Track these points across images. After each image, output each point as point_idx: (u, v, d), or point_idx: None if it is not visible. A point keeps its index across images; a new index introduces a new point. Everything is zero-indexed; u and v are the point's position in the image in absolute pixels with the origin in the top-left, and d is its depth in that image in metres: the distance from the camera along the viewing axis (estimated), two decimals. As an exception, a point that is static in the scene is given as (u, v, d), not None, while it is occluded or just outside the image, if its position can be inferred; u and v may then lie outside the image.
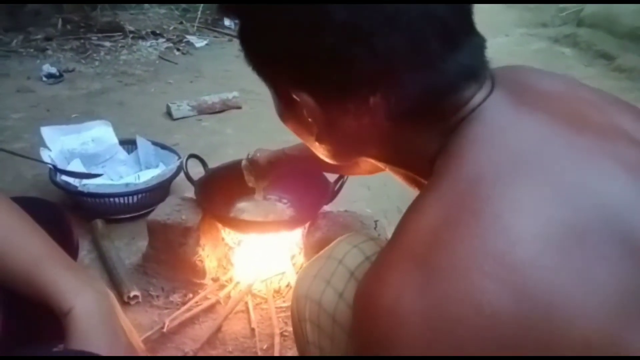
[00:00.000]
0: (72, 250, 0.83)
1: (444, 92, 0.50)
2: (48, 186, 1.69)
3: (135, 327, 0.69)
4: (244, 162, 1.27)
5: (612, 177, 0.44)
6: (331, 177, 1.37)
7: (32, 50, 3.40)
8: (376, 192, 1.90)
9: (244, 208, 1.43)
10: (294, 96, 0.53)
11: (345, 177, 1.34)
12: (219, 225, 1.43)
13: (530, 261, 0.39)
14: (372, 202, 1.82)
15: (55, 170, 1.67)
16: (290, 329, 1.25)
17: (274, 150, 1.21)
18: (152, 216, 1.34)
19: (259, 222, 1.36)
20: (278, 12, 0.50)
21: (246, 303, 1.33)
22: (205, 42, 3.89)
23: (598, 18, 4.00)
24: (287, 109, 0.58)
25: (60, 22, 3.76)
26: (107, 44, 3.61)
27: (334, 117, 0.54)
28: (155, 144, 1.92)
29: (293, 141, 1.14)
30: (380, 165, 0.65)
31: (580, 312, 0.38)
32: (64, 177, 1.69)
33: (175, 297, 1.35)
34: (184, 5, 4.43)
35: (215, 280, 1.40)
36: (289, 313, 1.30)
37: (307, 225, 1.37)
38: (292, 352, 1.21)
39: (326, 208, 1.39)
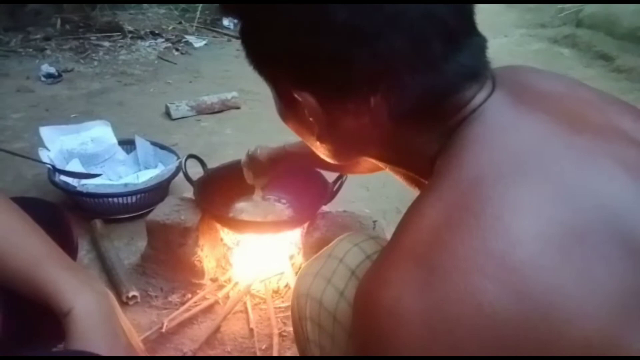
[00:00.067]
0: (71, 250, 0.83)
1: (445, 92, 0.50)
2: (48, 186, 1.69)
3: (134, 327, 0.69)
4: (243, 159, 1.27)
5: (611, 177, 0.44)
6: (330, 177, 1.38)
7: (31, 50, 3.39)
8: (375, 192, 1.90)
9: (243, 208, 1.43)
10: (295, 96, 0.53)
11: (344, 178, 1.34)
12: (218, 226, 1.43)
13: (530, 262, 0.39)
14: (370, 203, 1.83)
15: (54, 170, 1.67)
16: (289, 329, 1.25)
17: (275, 147, 1.21)
18: (151, 216, 1.34)
19: (257, 222, 1.36)
20: (279, 12, 0.50)
21: (245, 303, 1.33)
22: (204, 42, 3.89)
23: (597, 19, 4.01)
24: (288, 109, 0.58)
25: (59, 22, 3.76)
26: (106, 43, 3.61)
27: (335, 117, 0.54)
28: (154, 144, 1.92)
29: (292, 141, 1.15)
30: (381, 165, 0.65)
31: (580, 312, 0.38)
32: (63, 177, 1.69)
33: (174, 298, 1.35)
34: (183, 5, 4.43)
35: (214, 280, 1.40)
36: (287, 313, 1.31)
37: (305, 225, 1.37)
38: (291, 352, 1.21)
39: (325, 208, 1.39)
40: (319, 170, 1.35)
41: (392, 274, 0.43)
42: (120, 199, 1.62)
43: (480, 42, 0.52)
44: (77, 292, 0.62)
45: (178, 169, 1.70)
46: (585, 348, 0.38)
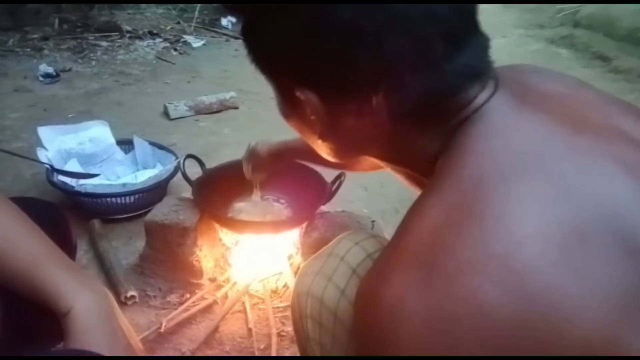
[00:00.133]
0: (70, 250, 0.83)
1: (446, 92, 0.50)
2: (46, 186, 1.69)
3: (133, 327, 0.69)
4: (244, 153, 1.26)
5: (612, 177, 0.44)
6: (328, 177, 1.38)
7: (29, 49, 3.39)
8: (373, 192, 1.90)
9: (242, 208, 1.44)
10: (297, 94, 0.53)
11: (343, 178, 1.34)
12: (217, 226, 1.43)
13: (531, 264, 0.39)
14: (369, 203, 1.83)
15: (53, 170, 1.67)
16: (288, 329, 1.25)
17: (276, 142, 1.21)
18: (150, 216, 1.34)
19: (256, 222, 1.36)
20: (281, 10, 0.50)
21: (243, 303, 1.33)
22: (202, 42, 3.89)
23: (595, 19, 4.02)
24: (290, 107, 0.58)
25: (57, 21, 3.76)
26: (104, 43, 3.61)
27: (337, 116, 0.54)
28: (152, 144, 1.92)
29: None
30: (382, 164, 0.65)
31: (580, 312, 0.38)
32: (61, 177, 1.69)
33: (173, 297, 1.35)
34: (181, 5, 4.43)
35: (212, 280, 1.40)
36: (286, 313, 1.31)
37: (304, 225, 1.38)
38: (290, 352, 1.21)
39: (323, 208, 1.39)
40: (318, 167, 1.35)
41: (393, 275, 0.43)
42: (118, 199, 1.62)
43: (482, 42, 0.52)
44: (76, 292, 0.62)
45: (176, 169, 1.70)
46: (585, 348, 0.38)
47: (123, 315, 0.67)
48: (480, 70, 0.51)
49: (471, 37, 0.51)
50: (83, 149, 1.85)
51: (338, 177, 1.34)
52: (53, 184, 1.65)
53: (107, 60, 3.37)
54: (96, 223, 1.59)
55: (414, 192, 0.62)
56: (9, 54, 3.32)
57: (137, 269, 1.42)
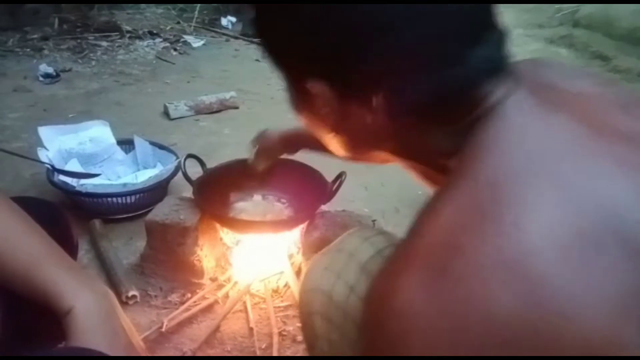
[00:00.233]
0: (71, 250, 0.83)
1: (461, 89, 0.49)
2: (46, 186, 1.68)
3: (134, 327, 0.69)
4: (253, 137, 1.26)
5: (612, 178, 0.44)
6: (329, 177, 1.38)
7: (28, 49, 3.39)
8: (374, 192, 1.90)
9: (242, 208, 1.44)
10: (309, 86, 0.53)
11: (343, 177, 1.34)
12: (217, 225, 1.43)
13: (544, 272, 0.39)
14: (369, 202, 1.83)
15: (53, 170, 1.67)
16: (289, 328, 1.26)
17: (288, 129, 1.20)
18: (150, 216, 1.34)
19: (257, 221, 1.36)
20: (295, 2, 0.50)
21: (244, 303, 1.33)
22: (202, 42, 3.89)
23: (594, 19, 4.02)
24: (302, 100, 0.58)
25: (57, 21, 3.75)
26: (104, 43, 3.61)
27: (348, 111, 0.53)
28: (153, 143, 1.92)
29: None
30: (395, 160, 0.64)
31: (581, 311, 0.38)
32: (62, 177, 1.69)
33: (174, 297, 1.35)
34: (181, 5, 4.43)
35: (213, 280, 1.40)
36: (287, 312, 1.31)
37: (305, 225, 1.38)
38: (291, 351, 1.21)
39: (324, 208, 1.39)
40: (321, 165, 1.34)
41: (404, 277, 0.43)
42: (119, 199, 1.62)
43: (498, 37, 0.51)
44: (77, 291, 0.61)
45: (177, 168, 1.70)
46: (585, 348, 0.38)
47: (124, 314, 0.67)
48: (496, 65, 0.50)
49: (486, 31, 0.50)
50: (83, 148, 1.85)
51: (338, 176, 1.34)
52: (54, 183, 1.65)
53: (107, 60, 3.37)
54: (97, 223, 1.59)
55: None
56: (9, 54, 3.32)
57: (138, 268, 1.42)
